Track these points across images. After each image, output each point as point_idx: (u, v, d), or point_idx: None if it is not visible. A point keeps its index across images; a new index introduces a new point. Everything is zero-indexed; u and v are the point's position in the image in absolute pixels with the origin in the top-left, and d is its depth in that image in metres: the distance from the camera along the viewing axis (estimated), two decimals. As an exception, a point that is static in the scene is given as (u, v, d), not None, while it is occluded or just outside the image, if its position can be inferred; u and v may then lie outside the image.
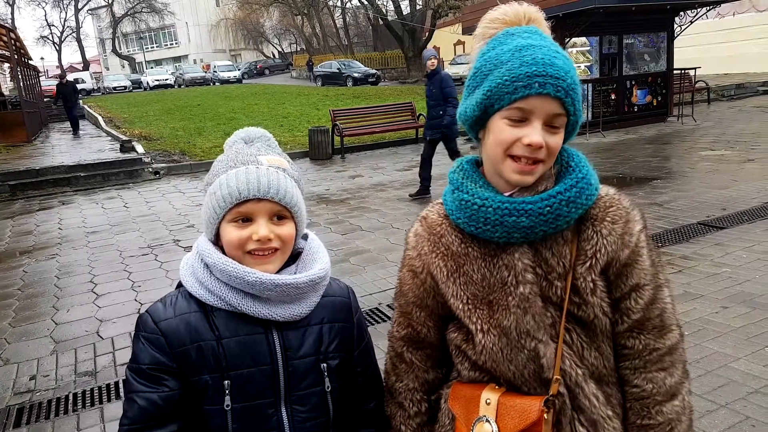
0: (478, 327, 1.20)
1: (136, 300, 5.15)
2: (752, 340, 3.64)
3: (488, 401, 1.20)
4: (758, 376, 3.24)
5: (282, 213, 1.24)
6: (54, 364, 4.08)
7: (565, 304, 1.16)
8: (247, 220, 1.22)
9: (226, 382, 1.19)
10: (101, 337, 4.45)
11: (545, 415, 1.14)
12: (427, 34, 34.62)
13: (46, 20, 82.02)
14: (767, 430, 2.79)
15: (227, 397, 1.19)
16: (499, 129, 1.15)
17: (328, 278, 1.32)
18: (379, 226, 7.10)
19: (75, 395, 3.64)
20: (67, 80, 20.07)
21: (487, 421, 1.19)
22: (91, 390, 3.67)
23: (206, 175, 1.29)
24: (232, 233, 1.22)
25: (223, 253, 1.24)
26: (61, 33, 62.84)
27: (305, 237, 1.36)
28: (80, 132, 19.34)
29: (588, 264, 1.16)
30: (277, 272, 1.25)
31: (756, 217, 6.20)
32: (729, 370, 3.32)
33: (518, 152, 1.13)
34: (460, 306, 1.22)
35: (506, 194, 1.18)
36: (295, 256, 1.31)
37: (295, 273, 1.27)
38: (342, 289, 1.39)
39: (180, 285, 1.29)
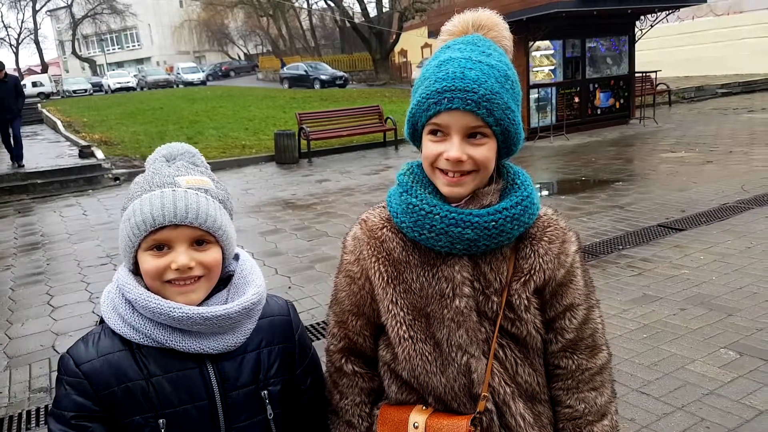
0: (417, 337, 1.19)
1: (94, 312, 5.00)
2: (708, 341, 3.72)
3: (416, 425, 1.19)
4: (713, 377, 3.30)
5: (204, 238, 1.16)
6: (7, 381, 3.94)
7: (499, 320, 1.16)
8: (165, 247, 1.14)
9: (161, 421, 1.13)
10: (57, 351, 4.31)
11: None
12: (394, 36, 34.68)
13: (2, 21, 79.85)
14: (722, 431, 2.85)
15: None
16: (425, 145, 1.16)
17: (263, 302, 1.26)
18: (345, 231, 7.02)
19: (29, 413, 3.52)
20: (6, 74, 11.80)
21: None
22: (46, 407, 3.54)
23: (123, 198, 1.20)
24: (148, 263, 1.14)
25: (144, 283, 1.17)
26: (18, 35, 60.94)
27: (236, 257, 1.28)
28: (28, 153, 12.52)
29: (522, 280, 1.17)
30: (207, 299, 1.18)
31: (713, 219, 6.36)
32: (685, 372, 3.38)
33: (442, 166, 1.13)
34: (401, 314, 1.19)
35: (453, 205, 1.17)
36: (226, 279, 1.24)
37: (226, 299, 1.20)
38: (281, 307, 1.33)
39: (103, 320, 1.20)
